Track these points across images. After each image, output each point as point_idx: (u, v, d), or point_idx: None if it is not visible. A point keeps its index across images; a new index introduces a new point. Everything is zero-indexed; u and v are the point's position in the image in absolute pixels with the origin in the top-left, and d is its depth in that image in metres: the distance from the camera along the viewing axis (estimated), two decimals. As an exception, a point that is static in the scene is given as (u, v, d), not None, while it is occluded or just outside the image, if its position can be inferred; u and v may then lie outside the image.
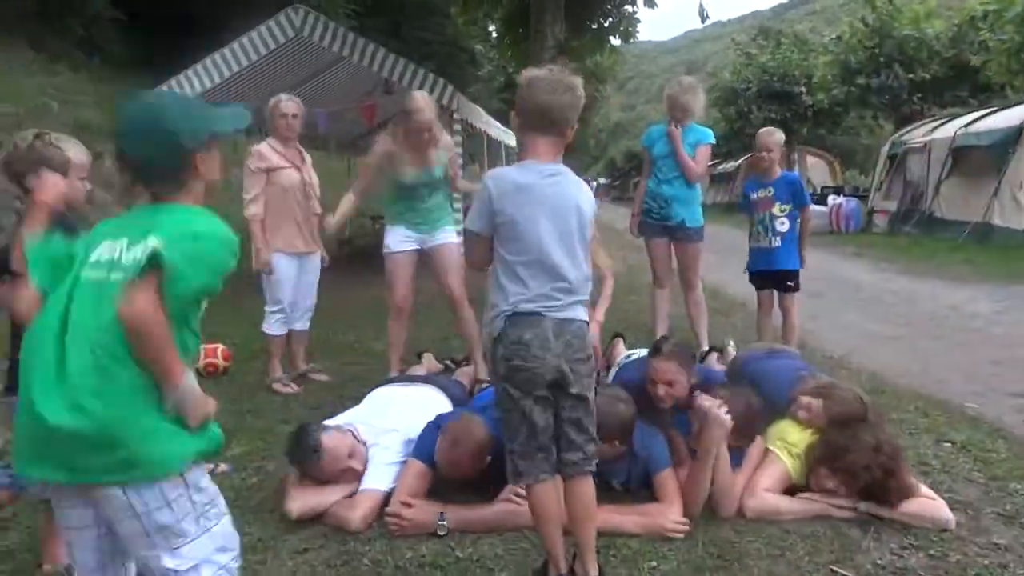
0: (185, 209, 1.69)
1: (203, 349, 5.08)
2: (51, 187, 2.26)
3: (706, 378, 3.41)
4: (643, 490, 2.98)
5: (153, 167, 1.69)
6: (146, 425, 1.61)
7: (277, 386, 4.78)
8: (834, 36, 24.38)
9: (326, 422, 3.24)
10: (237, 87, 9.32)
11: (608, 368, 4.19)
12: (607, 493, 2.95)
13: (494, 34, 13.83)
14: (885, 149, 17.57)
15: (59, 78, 12.37)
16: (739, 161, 31.02)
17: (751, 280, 5.26)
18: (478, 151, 11.45)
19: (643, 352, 3.92)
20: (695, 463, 2.86)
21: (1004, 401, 4.43)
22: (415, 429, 3.14)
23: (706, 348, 5.05)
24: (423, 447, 3.00)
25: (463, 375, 4.50)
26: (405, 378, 4.16)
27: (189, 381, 1.71)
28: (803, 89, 26.86)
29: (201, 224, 1.66)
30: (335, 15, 17.01)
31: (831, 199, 18.23)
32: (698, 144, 5.08)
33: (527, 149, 2.34)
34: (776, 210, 4.96)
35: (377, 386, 3.90)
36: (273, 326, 4.84)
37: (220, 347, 5.22)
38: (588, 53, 12.50)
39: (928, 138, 14.92)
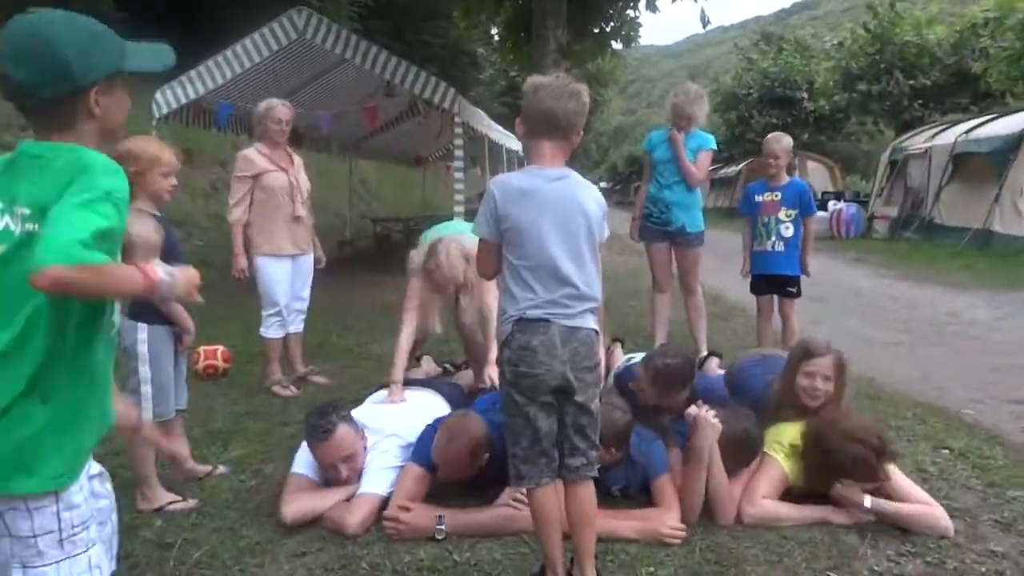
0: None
1: (203, 351, 5.11)
2: None
3: (706, 388, 3.40)
4: (641, 496, 2.99)
5: (36, 96, 1.45)
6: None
7: (276, 389, 4.78)
8: (836, 42, 24.43)
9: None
10: (240, 88, 9.34)
11: (607, 373, 4.19)
12: (605, 499, 2.96)
13: (496, 38, 13.84)
14: (886, 155, 17.59)
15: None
16: (740, 166, 31.03)
17: (752, 288, 5.25)
18: (479, 154, 11.46)
19: (639, 356, 3.92)
20: (688, 467, 2.87)
21: (1002, 408, 4.44)
22: (414, 433, 3.14)
23: (705, 353, 5.06)
24: (421, 451, 3.00)
25: (462, 379, 4.50)
26: (404, 382, 4.16)
27: (160, 271, 1.54)
28: (804, 94, 26.93)
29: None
30: (338, 17, 17.07)
31: (831, 204, 18.24)
32: (700, 150, 5.10)
33: (532, 154, 2.33)
34: (782, 215, 4.96)
35: (377, 389, 3.90)
36: (270, 329, 4.85)
37: (220, 348, 5.23)
38: (590, 57, 12.52)
39: (929, 144, 14.94)
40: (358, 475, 3.01)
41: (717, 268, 8.13)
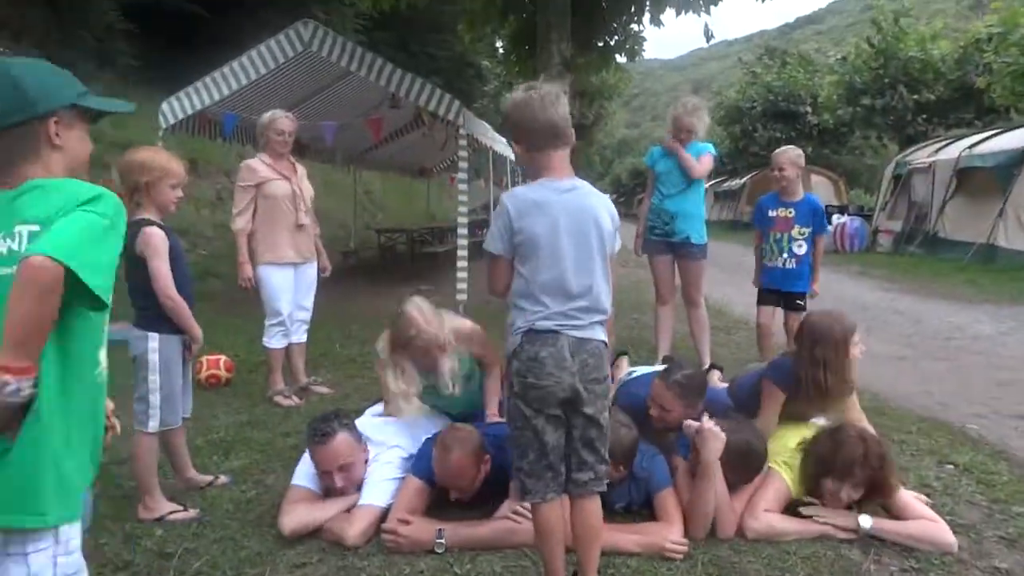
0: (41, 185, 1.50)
1: (206, 360, 5.11)
2: None
3: (710, 401, 3.39)
4: (645, 511, 2.98)
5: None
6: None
7: (278, 399, 4.78)
8: (840, 56, 24.50)
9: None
10: (246, 99, 9.39)
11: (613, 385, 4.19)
12: (608, 515, 2.95)
13: (501, 50, 13.92)
14: (890, 169, 17.60)
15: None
16: (744, 179, 31.08)
17: (760, 300, 5.19)
18: (483, 166, 11.49)
19: (646, 369, 3.92)
20: (697, 481, 2.85)
21: (1007, 423, 4.42)
22: (415, 446, 3.15)
23: (707, 366, 5.05)
24: (422, 464, 3.00)
25: None
26: None
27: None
28: (808, 109, 27.00)
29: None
30: (344, 30, 17.19)
31: (836, 218, 18.22)
32: (700, 154, 5.12)
33: (540, 168, 2.27)
34: (795, 232, 4.91)
35: (376, 401, 3.89)
36: (272, 339, 4.86)
37: (223, 358, 5.24)
38: (594, 70, 12.56)
39: (933, 159, 14.95)
40: (355, 486, 3.00)
41: (721, 280, 8.12)
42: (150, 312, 2.99)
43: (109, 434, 1.71)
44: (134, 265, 2.96)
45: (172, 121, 8.67)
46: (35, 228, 1.44)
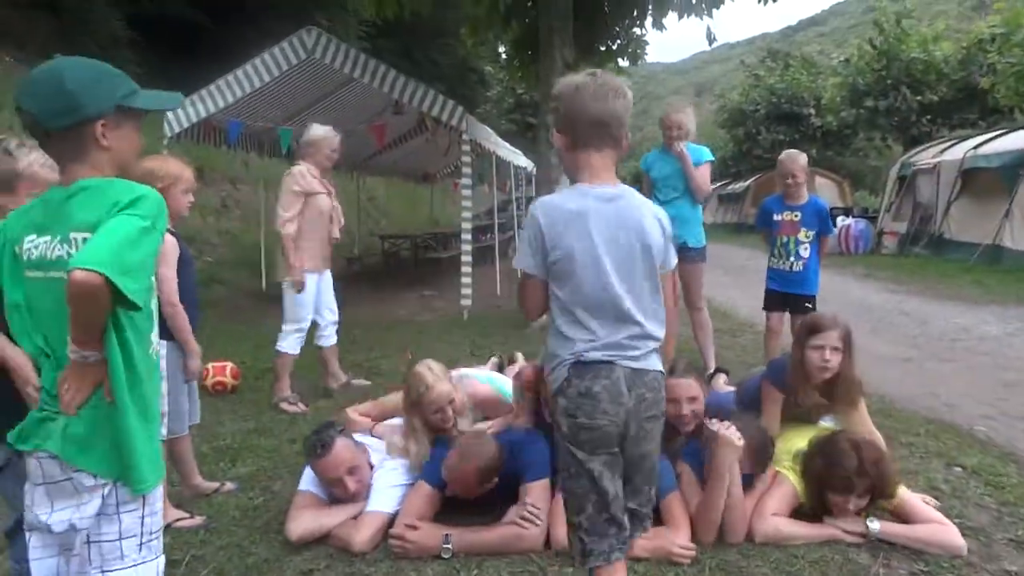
0: (96, 187, 1.58)
1: (212, 367, 5.12)
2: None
3: (717, 404, 3.39)
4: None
5: (48, 126, 1.58)
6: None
7: (284, 405, 4.79)
8: (842, 58, 24.47)
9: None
10: (250, 107, 9.43)
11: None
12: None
13: (504, 56, 13.95)
14: (894, 170, 17.56)
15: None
16: (748, 182, 31.04)
17: (766, 303, 5.13)
18: (487, 171, 11.51)
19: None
20: (708, 486, 2.83)
21: (1015, 425, 4.39)
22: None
23: (713, 369, 5.03)
24: (431, 470, 3.00)
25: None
26: None
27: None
28: (812, 111, 26.97)
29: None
30: (347, 37, 17.25)
31: (840, 220, 18.19)
32: (698, 164, 5.09)
33: (579, 169, 1.99)
34: (802, 235, 4.87)
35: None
36: (290, 344, 4.89)
37: (229, 365, 5.25)
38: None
39: (937, 160, 14.91)
40: (366, 489, 3.01)
41: (726, 284, 8.12)
42: (160, 319, 2.97)
43: None
44: None
45: (177, 129, 8.72)
46: (88, 235, 1.52)
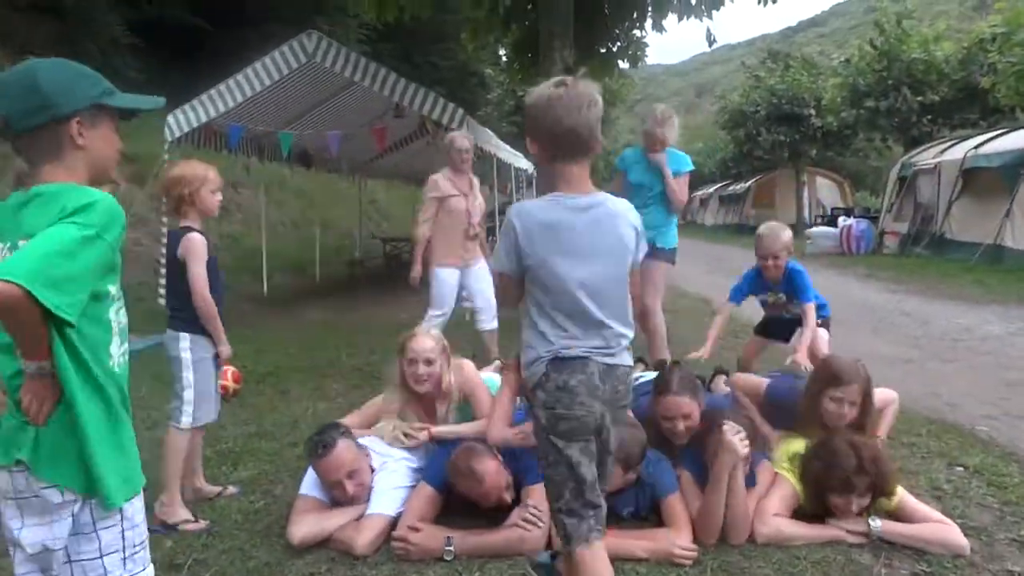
0: (55, 192, 1.53)
1: (213, 371, 5.12)
2: None
3: (711, 406, 3.38)
4: (651, 515, 2.97)
5: (20, 125, 1.54)
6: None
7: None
8: (843, 59, 24.40)
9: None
10: (251, 111, 9.45)
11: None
12: (615, 521, 2.94)
13: (504, 59, 13.97)
14: (895, 171, 17.56)
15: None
16: (748, 183, 31.08)
17: (759, 328, 5.00)
18: (488, 174, 11.52)
19: (652, 375, 3.89)
20: (708, 489, 2.83)
21: (1018, 424, 4.39)
22: (422, 457, 3.15)
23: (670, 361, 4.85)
24: (433, 471, 3.01)
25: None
26: None
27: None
28: (812, 111, 26.90)
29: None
30: (347, 40, 17.28)
31: (841, 220, 18.18)
32: (678, 174, 5.04)
33: (556, 179, 2.05)
34: (793, 307, 4.52)
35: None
36: (429, 323, 5.19)
37: (230, 369, 5.24)
38: (597, 77, 12.58)
39: (938, 160, 14.91)
40: (366, 493, 3.01)
41: (725, 287, 8.07)
42: (184, 313, 3.12)
43: None
44: (174, 268, 3.16)
45: (178, 133, 8.74)
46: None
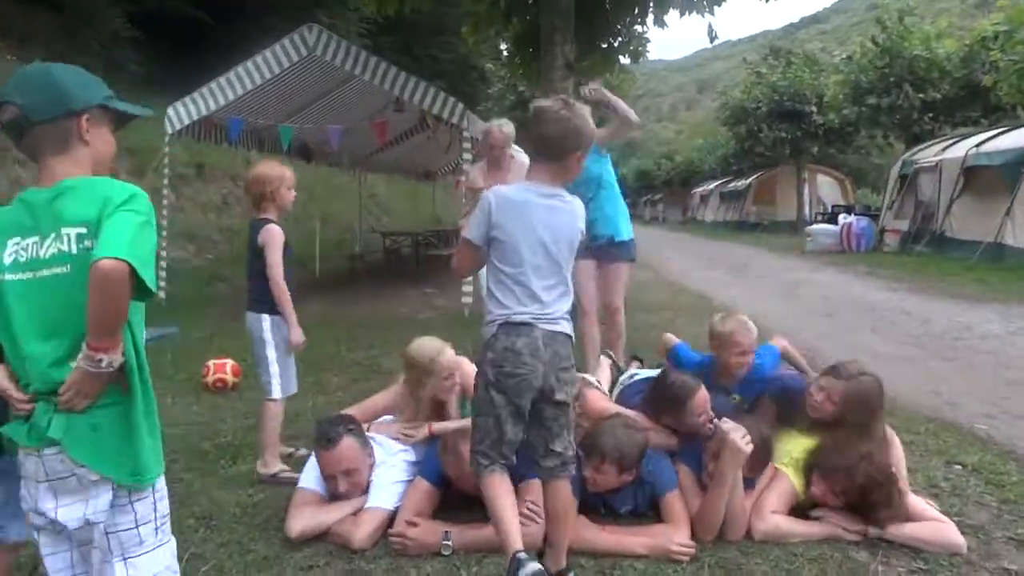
0: (80, 185, 1.63)
1: (212, 365, 5.13)
2: None
3: (716, 408, 3.38)
4: (650, 512, 2.97)
5: (35, 116, 1.63)
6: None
7: None
8: (845, 56, 24.37)
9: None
10: (251, 104, 9.43)
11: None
12: (614, 518, 2.95)
13: (505, 53, 13.93)
14: (896, 168, 17.54)
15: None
16: (749, 180, 31.05)
17: None
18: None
19: (647, 373, 3.88)
20: (710, 488, 2.83)
21: (1016, 423, 4.39)
22: (420, 451, 3.15)
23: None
24: (429, 466, 3.01)
25: None
26: None
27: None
28: (814, 108, 26.87)
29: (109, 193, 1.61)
30: (348, 34, 17.24)
31: (842, 218, 18.18)
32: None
33: (531, 172, 2.51)
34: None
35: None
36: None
37: (230, 363, 5.25)
38: (598, 72, 12.51)
39: (939, 158, 14.90)
40: (359, 491, 3.01)
41: (727, 282, 8.12)
42: (265, 297, 3.43)
43: None
44: (255, 256, 3.46)
45: (178, 126, 8.72)
46: (82, 230, 1.57)
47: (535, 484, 2.87)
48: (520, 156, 5.42)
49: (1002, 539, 2.87)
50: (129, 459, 1.62)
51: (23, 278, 1.60)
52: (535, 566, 2.17)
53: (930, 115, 20.56)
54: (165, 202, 8.93)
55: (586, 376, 3.69)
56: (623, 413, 3.19)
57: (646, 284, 9.10)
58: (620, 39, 10.51)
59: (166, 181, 9.17)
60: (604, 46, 10.38)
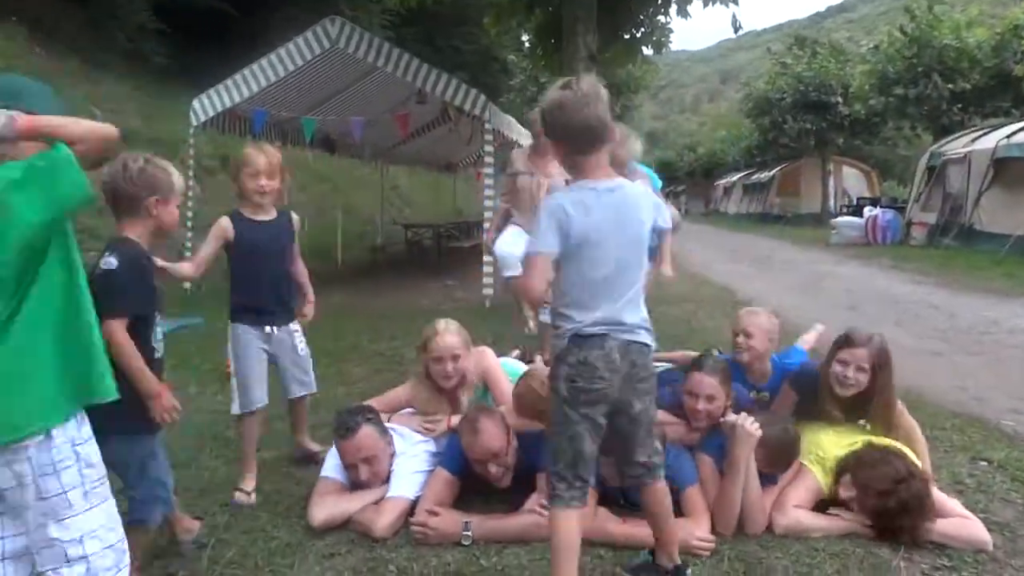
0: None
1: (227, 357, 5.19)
2: (173, 214, 2.47)
3: (737, 402, 3.36)
4: (672, 507, 2.97)
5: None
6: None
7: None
8: (872, 45, 23.98)
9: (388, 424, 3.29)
10: (275, 96, 9.51)
11: None
12: (634, 512, 2.95)
13: (527, 44, 13.90)
14: (924, 160, 17.25)
15: (102, 88, 12.72)
16: (773, 171, 30.72)
17: None
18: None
19: (667, 365, 3.86)
20: (725, 478, 2.83)
21: (1044, 420, 4.32)
22: (441, 441, 3.18)
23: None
24: (450, 456, 3.03)
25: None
26: None
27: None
28: (839, 99, 26.49)
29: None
30: (370, 26, 17.28)
31: (867, 211, 17.94)
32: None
33: (578, 170, 2.25)
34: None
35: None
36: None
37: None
38: (620, 63, 12.45)
39: (968, 149, 14.63)
40: (379, 480, 3.04)
41: (751, 275, 8.04)
42: (229, 300, 3.27)
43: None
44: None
45: (203, 118, 8.82)
46: None
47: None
48: None
49: (1028, 537, 2.83)
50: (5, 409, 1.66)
51: None
52: None
53: (959, 106, 20.18)
54: (191, 194, 9.04)
55: None
56: None
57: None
58: (643, 30, 10.46)
59: (192, 173, 9.28)
60: (627, 37, 10.34)
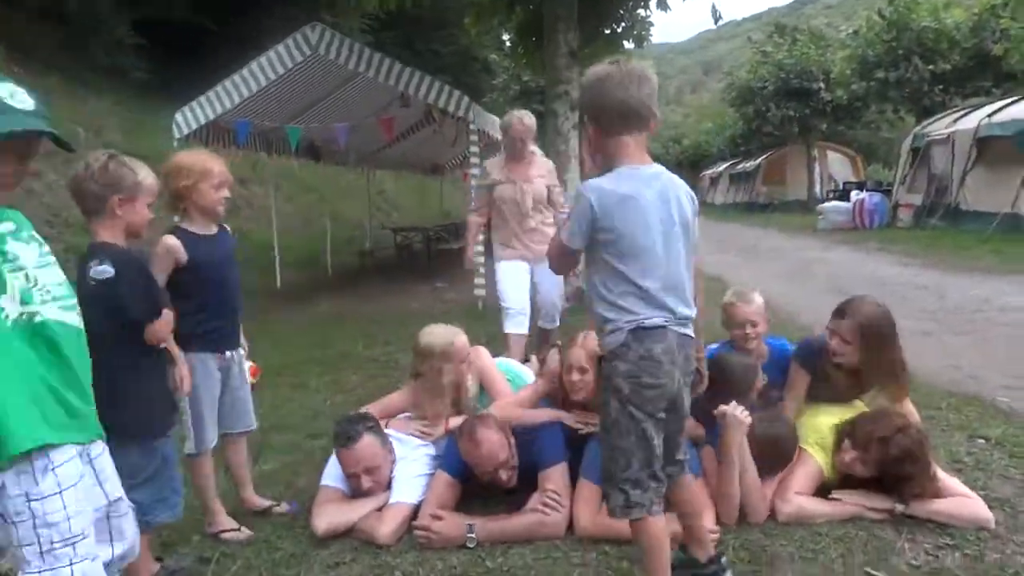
0: None
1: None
2: (141, 213, 2.39)
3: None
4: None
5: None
6: None
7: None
8: (851, 30, 24.09)
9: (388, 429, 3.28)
10: (257, 106, 9.45)
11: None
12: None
13: (508, 43, 13.88)
14: (907, 142, 17.34)
15: (87, 105, 12.62)
16: (758, 160, 30.80)
17: None
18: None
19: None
20: (720, 468, 2.84)
21: (1039, 395, 4.35)
22: (443, 445, 3.17)
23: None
24: (450, 459, 3.02)
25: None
26: None
27: None
28: (821, 85, 26.59)
29: None
30: (350, 31, 17.23)
31: (854, 195, 18.02)
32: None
33: (616, 153, 2.13)
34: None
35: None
36: (508, 325, 4.92)
37: (248, 364, 5.28)
38: (602, 58, 12.46)
39: (951, 129, 14.72)
40: (382, 487, 3.03)
41: (737, 264, 8.08)
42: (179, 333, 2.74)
43: None
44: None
45: (186, 131, 8.76)
46: None
47: (555, 473, 2.89)
48: (540, 156, 5.19)
49: (1028, 511, 2.85)
50: None
51: None
52: None
53: (940, 87, 20.31)
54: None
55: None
56: None
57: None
58: (623, 24, 10.45)
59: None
60: (607, 32, 10.33)
